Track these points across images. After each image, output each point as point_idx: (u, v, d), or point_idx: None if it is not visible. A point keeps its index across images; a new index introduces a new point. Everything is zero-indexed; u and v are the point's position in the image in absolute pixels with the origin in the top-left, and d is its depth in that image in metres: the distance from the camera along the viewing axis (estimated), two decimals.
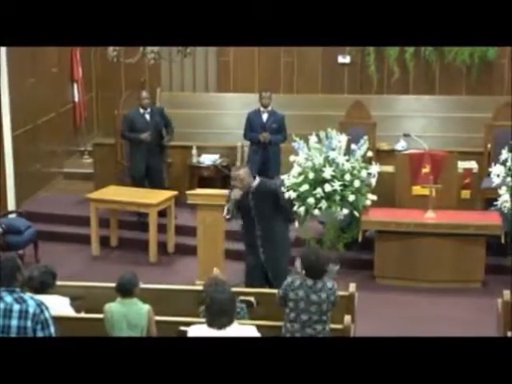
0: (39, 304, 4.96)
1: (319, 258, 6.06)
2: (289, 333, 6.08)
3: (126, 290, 6.11)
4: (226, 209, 7.88)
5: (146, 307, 6.14)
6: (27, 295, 5.05)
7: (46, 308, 4.98)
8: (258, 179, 7.88)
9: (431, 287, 9.02)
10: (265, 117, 10.48)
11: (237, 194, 7.75)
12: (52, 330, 4.94)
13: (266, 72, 12.91)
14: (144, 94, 10.64)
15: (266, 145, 10.36)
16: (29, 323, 4.90)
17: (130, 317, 6.07)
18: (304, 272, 6.09)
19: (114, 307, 6.11)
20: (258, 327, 5.62)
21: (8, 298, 4.94)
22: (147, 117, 10.49)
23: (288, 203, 8.36)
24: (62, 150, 12.52)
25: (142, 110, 10.51)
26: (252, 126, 10.47)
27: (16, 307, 4.92)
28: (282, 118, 10.50)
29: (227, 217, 7.89)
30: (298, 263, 6.79)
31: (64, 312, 6.29)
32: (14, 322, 4.91)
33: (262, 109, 10.51)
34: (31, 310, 4.91)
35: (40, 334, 4.90)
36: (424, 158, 9.44)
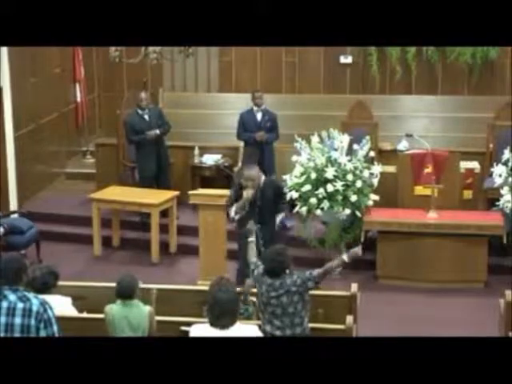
0: (42, 303, 4.98)
1: (275, 258, 6.04)
2: (262, 323, 6.11)
3: (126, 294, 6.09)
4: (233, 209, 7.98)
5: (147, 308, 6.13)
6: (31, 294, 5.08)
7: (50, 307, 5.00)
8: (262, 176, 8.09)
9: (433, 287, 9.02)
10: (259, 116, 10.48)
11: (250, 194, 7.88)
12: (55, 328, 4.96)
13: (267, 72, 12.91)
14: (143, 94, 10.61)
15: (261, 144, 10.35)
16: (32, 321, 4.92)
17: (131, 318, 6.05)
18: (264, 271, 6.11)
19: (115, 309, 6.09)
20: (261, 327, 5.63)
21: (12, 297, 4.96)
22: (146, 117, 10.49)
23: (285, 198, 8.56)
24: (64, 150, 12.54)
25: (140, 111, 10.50)
26: (246, 125, 10.46)
27: (20, 305, 4.94)
28: (275, 116, 10.52)
29: (236, 217, 7.99)
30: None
31: (66, 312, 6.29)
32: (18, 320, 4.93)
33: (255, 108, 10.52)
34: (35, 308, 4.93)
35: (43, 333, 4.92)
36: (426, 158, 9.44)
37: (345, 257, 6.37)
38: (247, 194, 7.87)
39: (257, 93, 10.56)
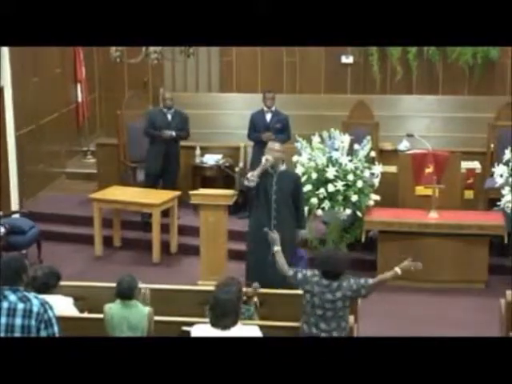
0: (43, 303, 4.97)
1: (336, 260, 6.02)
2: (305, 324, 6.06)
3: (125, 294, 6.08)
4: (249, 175, 7.95)
5: (147, 309, 6.12)
6: (31, 294, 5.06)
7: (50, 307, 4.99)
8: (284, 165, 8.08)
9: (434, 287, 9.01)
10: (268, 117, 10.47)
11: (269, 161, 7.87)
12: (55, 329, 4.95)
13: (268, 72, 12.92)
14: (167, 94, 10.72)
15: None
16: (33, 322, 4.91)
17: (132, 319, 6.04)
18: (320, 271, 6.05)
19: (115, 309, 6.08)
20: (262, 327, 5.62)
21: (12, 297, 4.95)
22: (169, 116, 10.53)
23: (304, 198, 8.46)
24: (65, 150, 12.54)
25: (164, 110, 10.58)
26: (256, 126, 10.45)
27: (20, 306, 4.93)
28: (285, 118, 10.49)
29: (252, 178, 7.86)
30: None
31: (67, 312, 6.29)
32: (18, 321, 4.92)
33: (265, 109, 10.50)
34: (35, 309, 4.92)
35: (43, 333, 4.91)
36: (427, 158, 9.44)
37: (397, 269, 6.34)
38: (266, 160, 7.88)
39: (268, 93, 10.54)
